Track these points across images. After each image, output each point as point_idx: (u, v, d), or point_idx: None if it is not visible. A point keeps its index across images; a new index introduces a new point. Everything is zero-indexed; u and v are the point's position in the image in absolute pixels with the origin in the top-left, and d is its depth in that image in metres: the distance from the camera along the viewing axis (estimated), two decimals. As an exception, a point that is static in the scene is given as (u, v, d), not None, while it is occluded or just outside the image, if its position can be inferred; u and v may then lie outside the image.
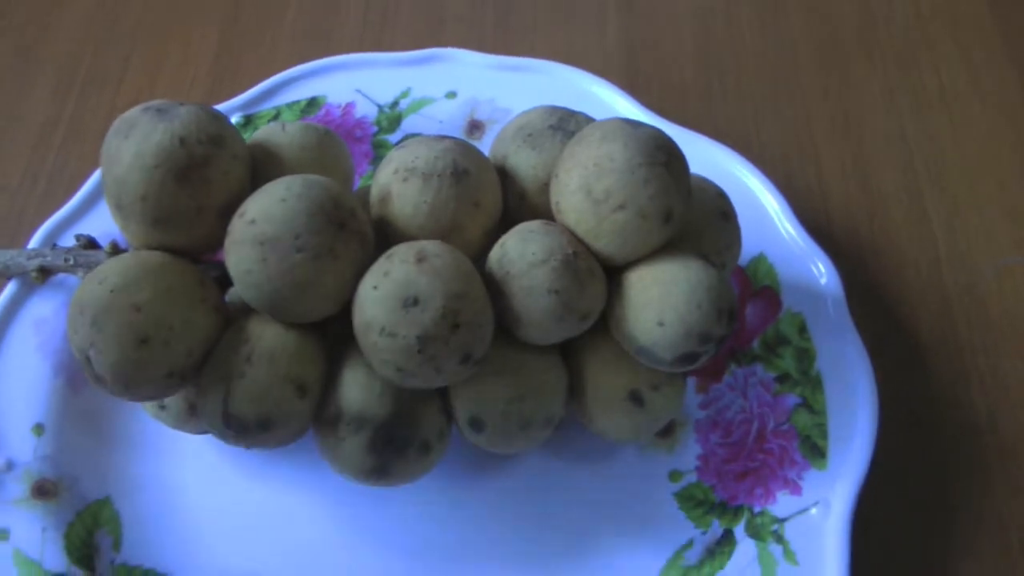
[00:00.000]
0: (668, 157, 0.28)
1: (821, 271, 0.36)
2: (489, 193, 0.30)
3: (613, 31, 0.49)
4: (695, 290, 0.28)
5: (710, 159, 0.38)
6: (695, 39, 0.49)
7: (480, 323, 0.27)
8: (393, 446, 0.29)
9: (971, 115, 0.45)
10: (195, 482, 0.35)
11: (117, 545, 0.34)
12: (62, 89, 0.49)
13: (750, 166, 0.38)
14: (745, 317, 0.36)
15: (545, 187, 0.31)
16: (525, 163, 0.31)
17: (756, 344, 0.36)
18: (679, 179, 0.28)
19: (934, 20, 0.48)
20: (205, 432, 0.33)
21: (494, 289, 0.29)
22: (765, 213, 0.38)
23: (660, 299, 0.28)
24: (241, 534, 0.34)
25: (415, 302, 0.26)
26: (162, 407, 0.33)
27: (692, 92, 0.47)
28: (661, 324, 0.28)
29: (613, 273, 0.30)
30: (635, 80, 0.47)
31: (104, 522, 0.34)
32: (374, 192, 0.31)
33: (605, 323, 0.30)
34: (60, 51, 0.51)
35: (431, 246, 0.28)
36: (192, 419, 0.33)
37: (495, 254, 0.29)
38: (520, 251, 0.28)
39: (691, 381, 0.36)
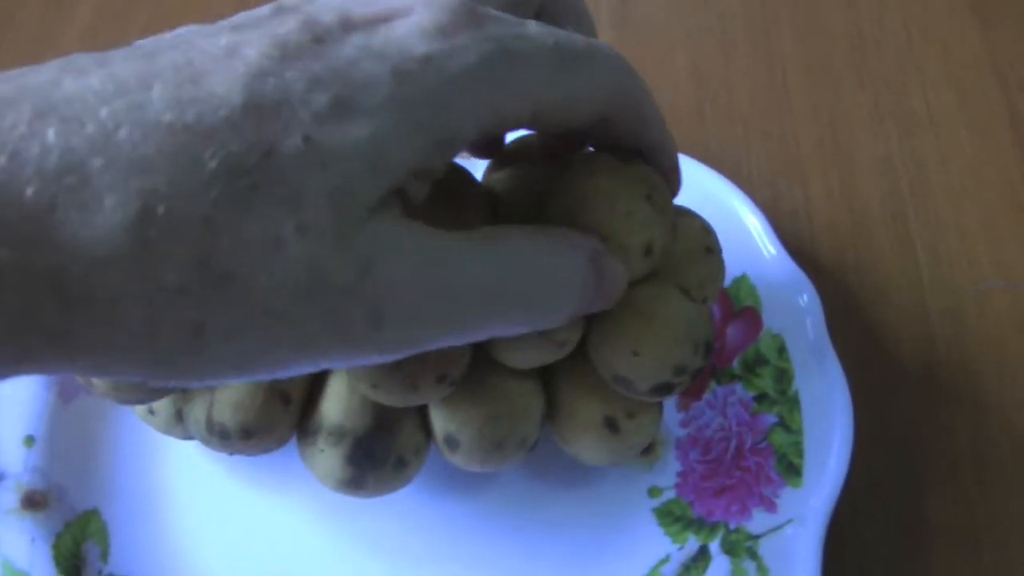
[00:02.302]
0: (650, 191, 0.28)
1: (802, 293, 0.36)
2: (479, 216, 0.31)
3: (606, 52, 0.50)
4: (672, 323, 0.28)
5: (695, 181, 0.38)
6: (688, 59, 0.49)
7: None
8: (370, 460, 0.30)
9: (957, 139, 0.45)
10: (183, 493, 0.36)
11: (105, 556, 0.34)
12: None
13: (735, 188, 0.39)
14: (726, 337, 0.37)
15: (534, 212, 0.31)
16: (516, 188, 0.32)
17: (736, 363, 0.36)
18: (661, 213, 0.28)
19: (924, 44, 0.49)
20: (192, 438, 0.33)
21: None
22: (749, 235, 0.38)
23: (637, 330, 0.28)
24: (229, 544, 0.35)
25: None
26: (151, 411, 0.33)
27: (683, 113, 0.47)
28: (637, 354, 0.28)
29: None
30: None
31: (92, 533, 0.35)
32: None
33: (583, 349, 0.30)
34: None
35: None
36: (179, 424, 0.33)
37: None
38: None
39: (673, 400, 0.37)
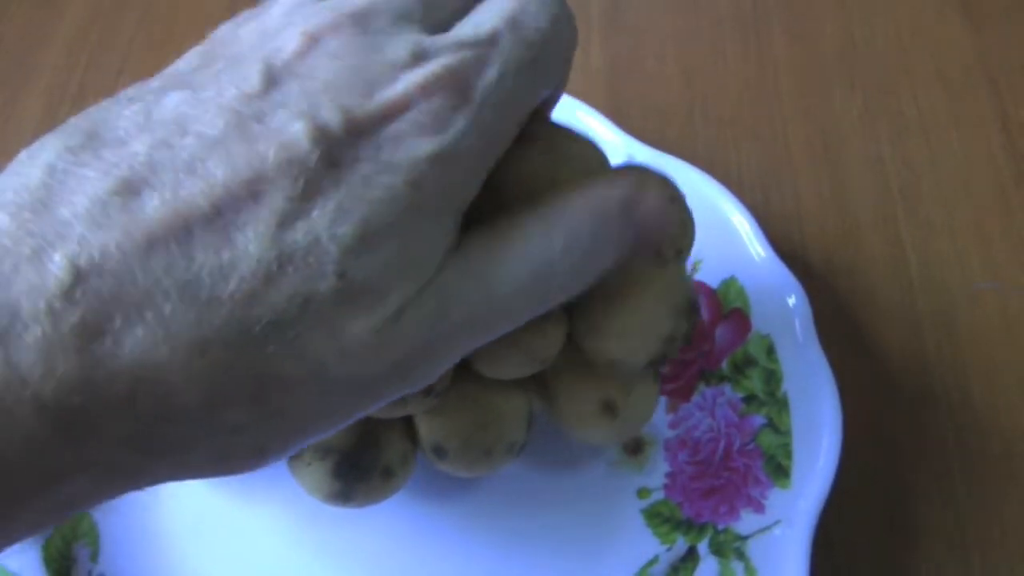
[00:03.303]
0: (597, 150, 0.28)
1: (791, 294, 0.37)
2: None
3: (597, 52, 0.50)
4: (652, 296, 0.28)
5: (684, 182, 0.38)
6: (678, 62, 0.49)
7: None
8: (357, 472, 0.30)
9: (947, 141, 0.45)
10: (173, 494, 0.36)
11: (95, 557, 0.34)
12: (54, 103, 0.50)
13: (724, 190, 0.39)
14: (715, 338, 0.37)
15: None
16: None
17: (725, 365, 0.37)
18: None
19: (914, 46, 0.49)
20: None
21: None
22: (738, 237, 0.38)
23: (621, 310, 0.28)
24: (218, 547, 0.35)
25: None
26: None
27: (674, 114, 0.47)
28: (624, 336, 0.28)
29: None
30: (618, 101, 0.48)
31: (82, 534, 0.35)
32: None
33: (571, 336, 0.30)
34: (53, 63, 0.51)
35: None
36: None
37: None
38: None
39: (662, 402, 0.37)
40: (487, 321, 0.22)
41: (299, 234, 0.19)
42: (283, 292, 0.19)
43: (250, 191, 0.19)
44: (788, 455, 0.34)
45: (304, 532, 0.35)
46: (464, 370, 0.29)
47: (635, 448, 0.36)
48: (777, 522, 0.33)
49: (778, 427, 0.34)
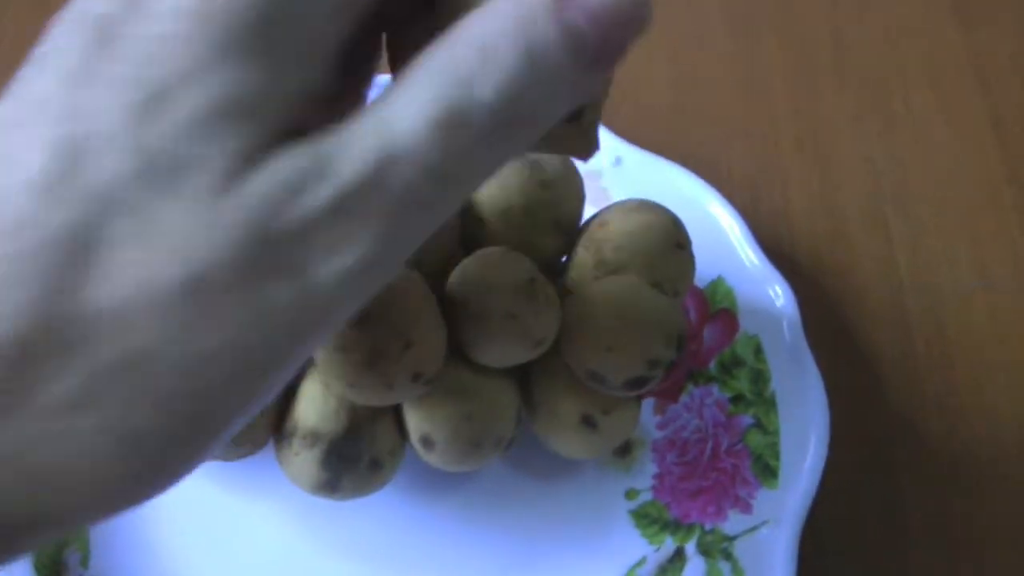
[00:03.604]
0: None
1: (778, 294, 0.37)
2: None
3: (589, 54, 0.50)
4: (645, 318, 0.28)
5: (672, 183, 0.39)
6: (668, 60, 0.49)
7: (432, 343, 0.28)
8: (344, 462, 0.30)
9: (938, 140, 0.45)
10: (163, 497, 0.36)
11: (85, 561, 0.34)
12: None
13: (712, 190, 0.39)
14: (703, 338, 0.37)
15: (503, 214, 0.32)
16: (485, 191, 0.32)
17: (713, 365, 0.37)
18: None
19: (905, 45, 0.49)
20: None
21: (452, 311, 0.29)
22: (725, 237, 0.38)
23: (610, 325, 0.28)
24: (209, 548, 0.35)
25: (368, 319, 0.27)
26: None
27: (664, 114, 0.47)
28: (610, 350, 0.28)
29: (566, 293, 0.30)
30: (607, 101, 0.47)
31: (73, 539, 0.35)
32: None
33: (558, 347, 0.30)
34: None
35: None
36: None
37: (455, 277, 0.30)
38: (479, 275, 0.29)
39: (649, 402, 0.37)
40: (396, 178, 0.17)
41: (81, 124, 0.16)
42: (79, 192, 0.16)
43: (19, 103, 0.17)
44: (776, 455, 0.34)
45: (295, 533, 0.35)
46: (455, 361, 0.29)
47: (623, 449, 0.36)
48: (765, 522, 0.33)
49: (766, 427, 0.35)
